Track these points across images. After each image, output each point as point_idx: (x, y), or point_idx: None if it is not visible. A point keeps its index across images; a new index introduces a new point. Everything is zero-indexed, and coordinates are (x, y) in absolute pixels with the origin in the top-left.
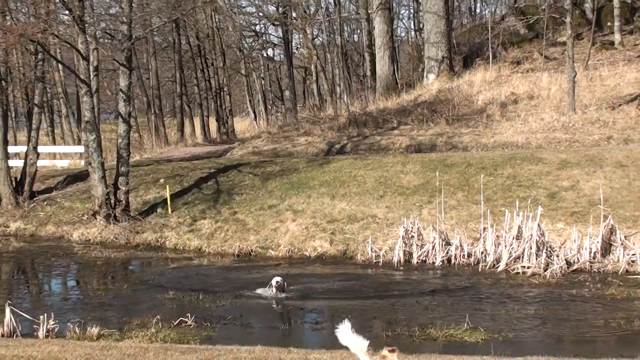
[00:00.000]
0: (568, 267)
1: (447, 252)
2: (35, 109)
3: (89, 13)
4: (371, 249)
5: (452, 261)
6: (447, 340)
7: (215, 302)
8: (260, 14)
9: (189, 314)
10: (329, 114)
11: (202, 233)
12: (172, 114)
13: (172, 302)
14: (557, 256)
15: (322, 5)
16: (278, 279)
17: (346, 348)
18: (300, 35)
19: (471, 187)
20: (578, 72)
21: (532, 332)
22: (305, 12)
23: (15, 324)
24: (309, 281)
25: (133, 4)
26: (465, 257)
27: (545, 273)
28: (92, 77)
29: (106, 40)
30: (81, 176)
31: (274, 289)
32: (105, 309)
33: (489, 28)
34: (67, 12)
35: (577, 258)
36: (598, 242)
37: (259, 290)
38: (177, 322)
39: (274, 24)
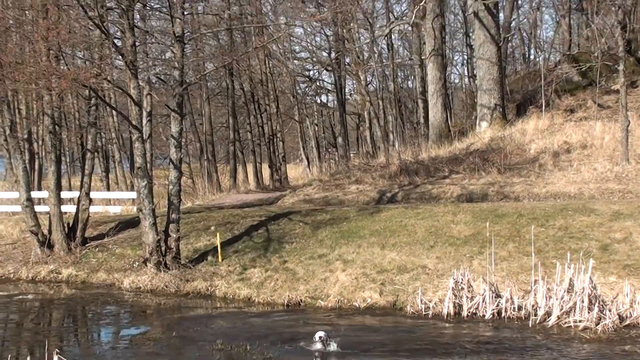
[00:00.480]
0: (620, 322)
1: (498, 305)
2: (88, 154)
3: (142, 58)
4: (421, 300)
5: (503, 314)
6: None
7: (263, 354)
8: (314, 59)
9: None
10: (380, 161)
11: (252, 282)
12: (225, 160)
13: (220, 352)
14: (610, 310)
15: (375, 51)
16: (321, 333)
17: None
18: (354, 82)
19: (522, 238)
20: (632, 120)
21: None
22: (358, 57)
23: None
24: (358, 334)
25: (186, 49)
26: (516, 310)
27: (597, 327)
28: (144, 122)
29: (159, 86)
30: (133, 222)
31: (318, 344)
32: (154, 358)
33: (542, 75)
34: (120, 57)
35: (630, 312)
36: None
37: (302, 343)
38: None
39: (327, 70)
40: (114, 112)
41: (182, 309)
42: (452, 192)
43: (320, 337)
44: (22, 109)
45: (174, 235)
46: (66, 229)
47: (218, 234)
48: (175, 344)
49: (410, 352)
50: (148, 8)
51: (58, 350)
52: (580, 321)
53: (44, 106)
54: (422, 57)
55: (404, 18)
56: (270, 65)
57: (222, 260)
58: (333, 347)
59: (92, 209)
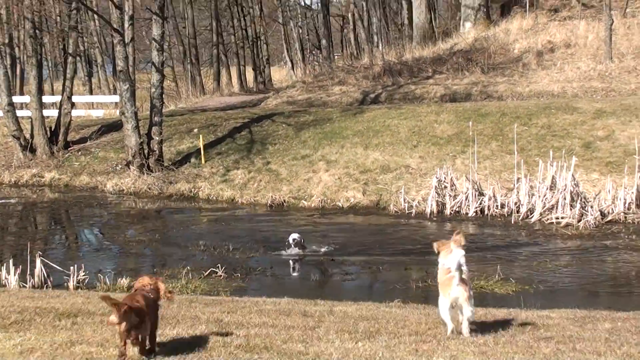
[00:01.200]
0: (602, 218)
1: (481, 203)
2: (70, 59)
3: None
4: (404, 200)
5: (486, 212)
6: (477, 292)
7: (246, 254)
8: None
9: (219, 265)
10: (364, 63)
11: (235, 183)
12: (209, 63)
13: (203, 253)
14: (592, 207)
15: None
16: (295, 236)
17: (371, 300)
18: None
19: (505, 136)
20: (616, 20)
21: (564, 284)
22: None
23: (45, 275)
24: (341, 234)
25: None
26: (499, 207)
27: (579, 224)
28: (126, 26)
29: None
30: (116, 126)
31: (292, 246)
32: (137, 259)
33: None
34: None
35: (612, 209)
36: (633, 192)
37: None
38: (207, 273)
39: None
40: (95, 15)
41: (165, 210)
42: (435, 92)
43: (294, 240)
44: (2, 14)
45: (157, 138)
46: (48, 133)
47: (201, 136)
48: (158, 245)
49: (394, 249)
50: None
51: (41, 253)
52: (562, 218)
53: (24, 10)
54: None
55: None
56: None
57: (205, 162)
58: (308, 248)
59: (75, 113)
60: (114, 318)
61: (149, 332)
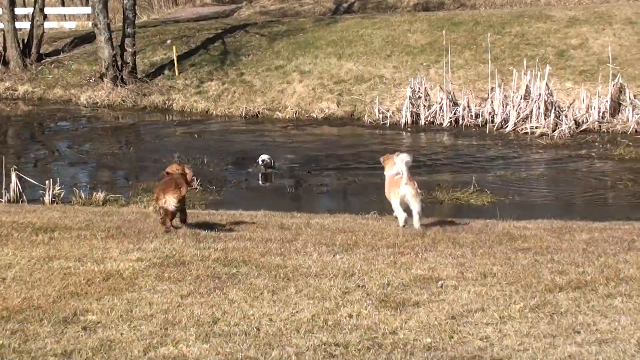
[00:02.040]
0: (577, 127)
1: (455, 113)
2: None
3: None
4: (378, 110)
5: (460, 122)
6: (453, 203)
7: (220, 166)
8: None
9: (194, 178)
10: None
11: (209, 95)
12: None
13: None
14: (566, 116)
15: None
16: (265, 157)
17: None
18: None
19: (479, 46)
20: None
21: (539, 194)
22: None
23: (20, 190)
24: (315, 146)
25: None
26: (473, 117)
27: (554, 133)
28: None
29: None
30: (88, 38)
31: (261, 168)
32: (111, 173)
33: None
34: None
35: (586, 118)
36: (607, 101)
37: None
38: None
39: None
40: None
41: (139, 123)
42: (408, 1)
43: (263, 161)
44: None
45: (130, 50)
46: (21, 46)
47: (174, 48)
48: (132, 157)
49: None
50: None
51: (16, 168)
52: (537, 127)
53: None
54: None
55: None
56: None
57: (179, 74)
58: (276, 166)
59: (47, 25)
60: (172, 202)
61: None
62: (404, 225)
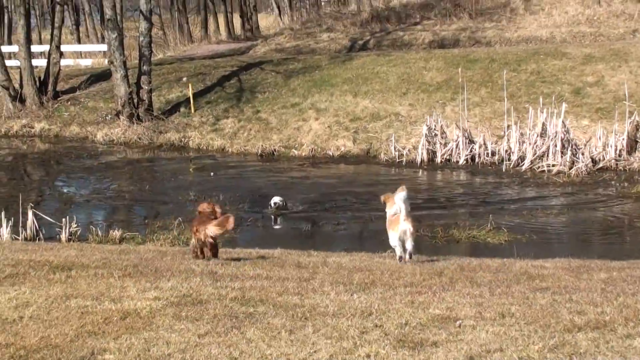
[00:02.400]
0: (593, 165)
1: (471, 151)
2: (58, 7)
3: None
4: (394, 148)
5: (476, 160)
6: (470, 242)
7: (236, 205)
8: None
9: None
10: (352, 9)
11: (225, 132)
12: (196, 10)
13: (193, 204)
14: (583, 154)
15: None
16: (277, 199)
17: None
18: None
19: (494, 83)
20: None
21: (556, 232)
22: None
23: (37, 228)
24: (331, 184)
25: None
26: (489, 155)
27: (571, 171)
28: None
29: None
30: (104, 75)
31: (274, 210)
32: (128, 211)
33: None
34: None
35: (603, 156)
36: (624, 139)
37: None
38: None
39: None
40: None
41: (155, 160)
42: (423, 39)
43: (275, 203)
44: None
45: (146, 87)
46: (37, 83)
47: (190, 85)
48: (149, 196)
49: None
50: None
51: (33, 205)
52: (553, 165)
53: None
54: None
55: None
56: None
57: (195, 111)
58: (288, 208)
59: (63, 62)
60: (216, 231)
61: None
62: (400, 260)
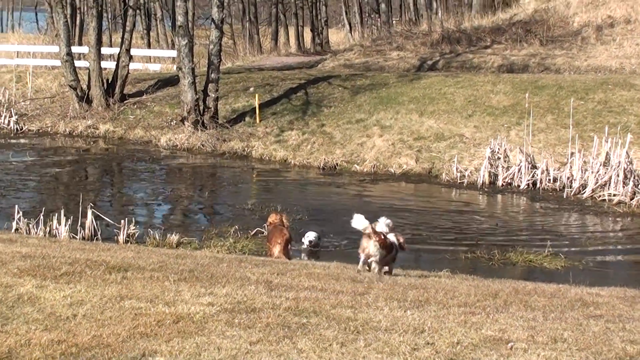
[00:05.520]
0: None
1: (533, 176)
2: (130, 11)
3: None
4: (456, 169)
5: (538, 185)
6: (526, 266)
7: (293, 216)
8: None
9: (265, 226)
10: (422, 29)
11: (289, 144)
12: (267, 22)
13: (251, 212)
14: None
15: None
16: (311, 236)
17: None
18: None
19: (561, 110)
20: None
21: (614, 261)
22: None
23: (96, 228)
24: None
25: None
26: (551, 181)
27: (631, 202)
28: None
29: None
30: (172, 81)
31: (308, 247)
32: (186, 216)
33: None
34: None
35: None
36: None
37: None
38: (253, 232)
39: None
40: None
41: (217, 168)
42: (493, 62)
43: (310, 241)
44: None
45: (213, 95)
46: (105, 85)
47: (257, 95)
48: (208, 202)
49: (444, 218)
50: None
51: (92, 205)
52: (614, 195)
53: None
54: None
55: None
56: None
57: (260, 121)
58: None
59: (132, 66)
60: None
61: None
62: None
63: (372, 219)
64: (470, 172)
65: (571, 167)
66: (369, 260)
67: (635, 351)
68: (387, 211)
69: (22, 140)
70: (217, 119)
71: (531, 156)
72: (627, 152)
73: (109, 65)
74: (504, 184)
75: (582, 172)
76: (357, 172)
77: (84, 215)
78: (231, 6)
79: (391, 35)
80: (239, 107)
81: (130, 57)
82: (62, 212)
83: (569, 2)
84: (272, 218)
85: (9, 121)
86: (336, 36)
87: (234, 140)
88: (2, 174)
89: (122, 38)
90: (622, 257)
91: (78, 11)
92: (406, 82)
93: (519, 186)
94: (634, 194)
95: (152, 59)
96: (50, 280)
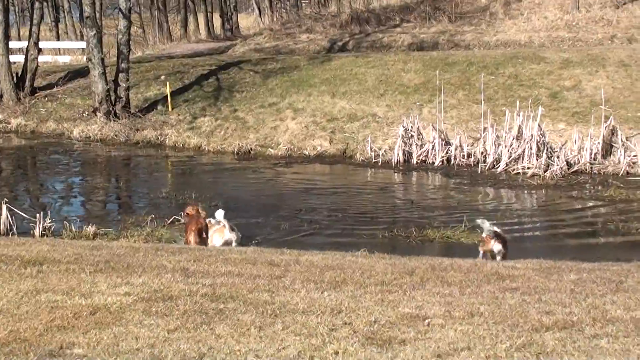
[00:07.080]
0: (568, 169)
1: (447, 152)
2: (37, 4)
3: None
4: (370, 149)
5: (452, 161)
6: (444, 242)
7: (209, 202)
8: None
9: (181, 213)
10: (332, 10)
11: (202, 131)
12: (176, 9)
13: (167, 200)
14: (558, 157)
15: None
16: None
17: (338, 249)
18: None
19: (472, 86)
20: None
21: (529, 234)
22: None
23: (11, 223)
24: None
25: None
26: (465, 157)
27: (545, 174)
28: None
29: None
30: (82, 72)
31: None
32: (102, 207)
33: None
34: None
35: (578, 159)
36: (599, 143)
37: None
38: (170, 220)
39: None
40: None
41: (131, 157)
42: (403, 41)
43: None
44: None
45: (124, 85)
46: (15, 79)
47: (168, 83)
48: (124, 192)
49: (360, 199)
50: None
51: (7, 200)
52: (528, 168)
53: None
54: None
55: None
56: None
57: (172, 109)
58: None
59: (41, 58)
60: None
61: None
62: None
63: (290, 203)
64: (385, 151)
65: (484, 142)
66: None
67: (551, 322)
68: (303, 194)
69: None
70: (129, 108)
71: (444, 133)
72: (539, 125)
73: (18, 59)
74: (418, 161)
75: (495, 147)
76: (272, 155)
77: None
78: None
79: (300, 18)
80: (150, 95)
81: (39, 50)
82: None
83: None
84: (189, 210)
85: None
86: (246, 21)
87: (147, 129)
88: None
89: (30, 31)
90: (538, 229)
91: None
92: (317, 64)
93: (433, 163)
94: (548, 166)
95: (61, 51)
96: None
